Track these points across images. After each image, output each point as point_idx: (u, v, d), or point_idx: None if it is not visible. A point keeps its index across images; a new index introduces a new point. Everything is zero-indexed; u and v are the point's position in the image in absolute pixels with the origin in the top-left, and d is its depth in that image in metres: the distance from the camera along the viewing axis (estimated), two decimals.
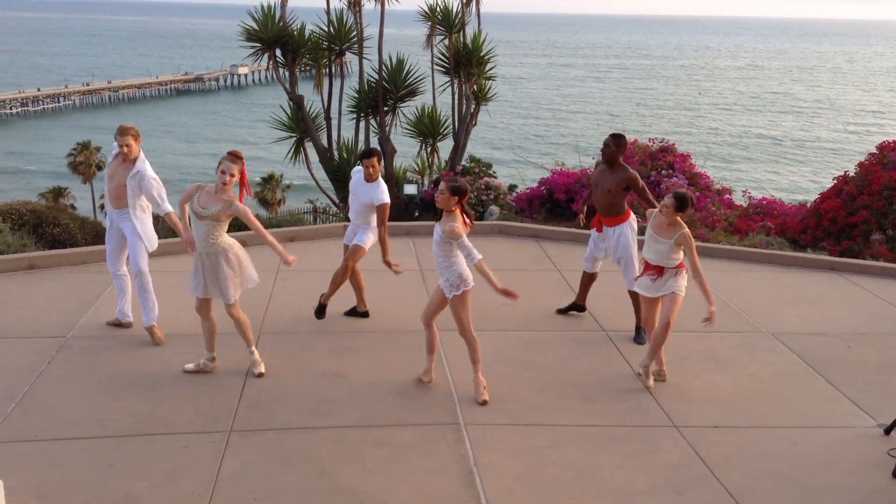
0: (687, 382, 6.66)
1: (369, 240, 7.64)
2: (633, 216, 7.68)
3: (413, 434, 5.68)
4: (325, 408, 6.03)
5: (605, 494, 5.02)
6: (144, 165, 7.00)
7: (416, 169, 19.20)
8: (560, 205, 14.09)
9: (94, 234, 12.17)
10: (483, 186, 15.65)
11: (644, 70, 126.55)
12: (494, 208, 14.98)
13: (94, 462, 5.21)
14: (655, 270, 6.47)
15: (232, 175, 6.11)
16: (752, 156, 60.69)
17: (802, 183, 50.06)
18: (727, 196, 14.51)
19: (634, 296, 7.42)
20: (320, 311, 7.76)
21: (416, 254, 10.16)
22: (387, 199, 7.39)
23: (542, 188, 14.74)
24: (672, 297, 6.43)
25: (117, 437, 5.53)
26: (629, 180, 7.40)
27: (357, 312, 8.01)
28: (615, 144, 7.44)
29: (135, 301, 7.42)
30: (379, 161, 7.46)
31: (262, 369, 6.55)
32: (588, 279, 8.00)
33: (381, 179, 7.42)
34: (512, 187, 16.65)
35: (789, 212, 13.85)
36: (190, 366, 6.58)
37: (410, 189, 16.91)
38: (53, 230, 11.47)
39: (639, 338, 7.49)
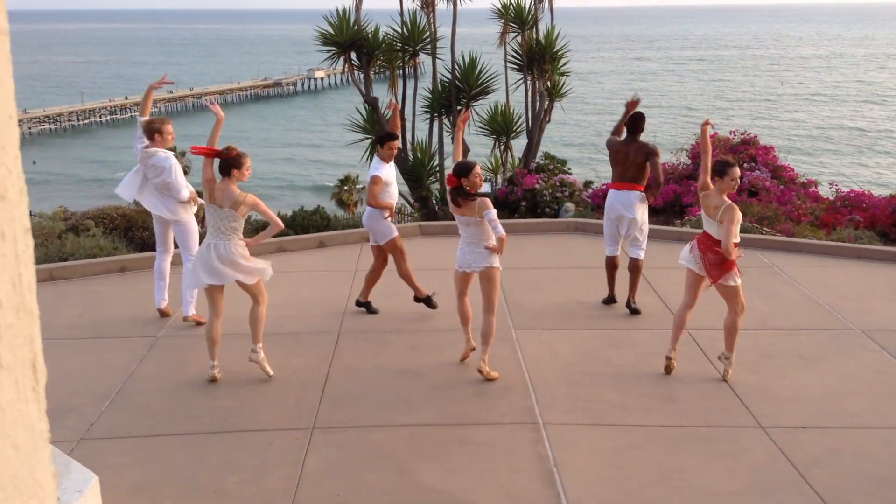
0: (774, 382, 6.48)
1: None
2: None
3: (492, 433, 5.69)
4: (404, 406, 6.10)
5: (690, 497, 4.92)
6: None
7: (490, 167, 19.19)
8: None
9: None
10: (558, 183, 15.54)
11: (722, 61, 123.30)
12: (570, 205, 14.86)
13: (185, 458, 5.39)
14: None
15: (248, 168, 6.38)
16: (836, 148, 58.39)
17: (891, 175, 47.89)
18: (813, 189, 14.05)
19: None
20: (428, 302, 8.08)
21: None
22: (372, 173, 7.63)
23: None
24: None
25: (207, 434, 5.71)
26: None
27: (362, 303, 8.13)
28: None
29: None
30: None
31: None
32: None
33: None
34: (587, 183, 16.49)
35: (879, 204, 13.31)
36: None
37: (484, 187, 16.90)
38: (143, 234, 11.90)
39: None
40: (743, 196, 13.03)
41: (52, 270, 9.25)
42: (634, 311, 8.00)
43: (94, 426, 5.85)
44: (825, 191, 14.46)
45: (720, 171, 6.18)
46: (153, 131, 7.42)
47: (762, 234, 11.05)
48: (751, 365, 6.76)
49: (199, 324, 7.72)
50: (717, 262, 6.25)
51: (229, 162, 6.27)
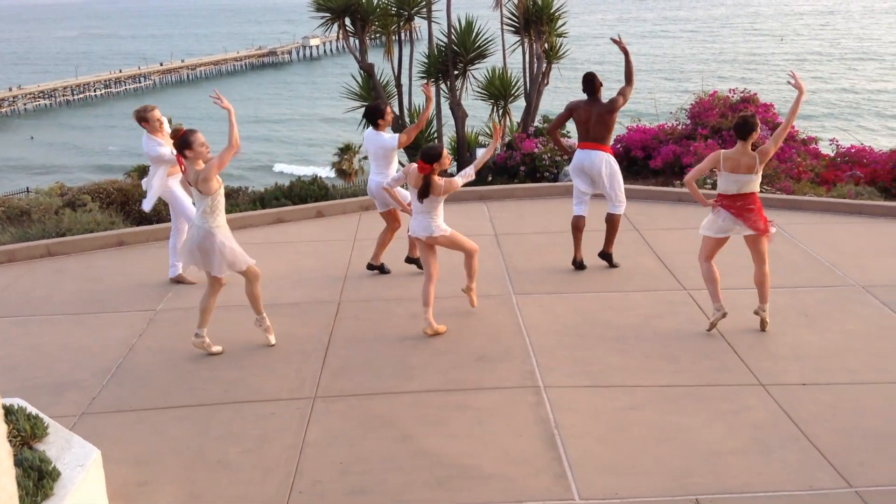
0: (774, 339, 6.48)
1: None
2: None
3: (494, 397, 5.70)
4: (406, 373, 6.10)
5: (691, 455, 4.94)
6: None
7: (489, 132, 19.05)
8: (637, 162, 13.77)
9: None
10: (566, 156, 15.41)
11: (717, 21, 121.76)
12: (569, 169, 14.76)
13: (187, 429, 5.41)
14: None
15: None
16: (831, 111, 57.77)
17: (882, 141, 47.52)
18: (813, 146, 13.94)
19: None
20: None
21: (490, 217, 10.12)
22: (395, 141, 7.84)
23: (619, 146, 14.44)
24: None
25: (208, 406, 5.72)
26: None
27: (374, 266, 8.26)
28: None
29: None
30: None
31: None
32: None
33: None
34: None
35: (879, 159, 13.21)
36: (217, 348, 6.58)
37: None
38: (140, 207, 11.83)
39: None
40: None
41: (49, 246, 9.23)
42: (606, 258, 8.15)
43: (96, 400, 5.87)
44: (825, 147, 14.34)
45: (750, 130, 6.42)
46: (139, 119, 7.80)
47: (762, 191, 10.98)
48: (750, 324, 6.74)
49: (182, 282, 8.10)
50: (757, 216, 6.41)
51: (179, 144, 6.20)
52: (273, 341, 6.62)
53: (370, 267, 8.25)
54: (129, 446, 5.23)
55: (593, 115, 7.95)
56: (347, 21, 17.63)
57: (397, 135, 7.92)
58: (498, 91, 18.02)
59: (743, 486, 4.63)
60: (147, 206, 8.00)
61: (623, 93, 7.97)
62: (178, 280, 8.15)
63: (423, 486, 4.73)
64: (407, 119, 18.07)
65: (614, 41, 8.29)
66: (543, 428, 5.29)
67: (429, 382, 5.95)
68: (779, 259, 8.24)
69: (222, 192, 6.29)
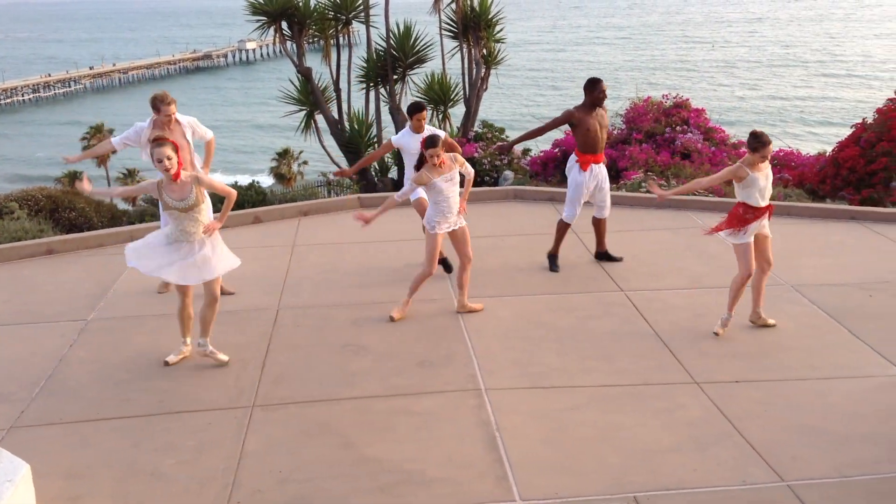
0: (708, 339, 6.62)
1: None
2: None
3: (436, 401, 5.69)
4: (347, 380, 6.06)
5: (628, 453, 5.02)
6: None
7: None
8: None
9: (110, 217, 12.23)
10: (497, 151, 15.52)
11: (650, 28, 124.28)
12: (509, 173, 14.87)
13: (120, 441, 5.27)
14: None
15: (169, 158, 5.78)
16: (762, 119, 59.44)
17: (816, 140, 49.12)
18: (743, 150, 14.31)
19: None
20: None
21: None
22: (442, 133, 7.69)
23: (557, 150, 14.62)
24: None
25: (143, 417, 5.58)
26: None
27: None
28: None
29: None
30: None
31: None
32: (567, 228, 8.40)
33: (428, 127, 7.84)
34: (526, 151, 16.51)
35: (807, 162, 13.66)
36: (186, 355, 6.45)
37: None
38: (70, 215, 11.53)
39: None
40: (676, 159, 13.22)
41: None
42: (613, 258, 8.41)
43: (25, 413, 5.68)
44: None
45: (752, 146, 6.38)
46: (153, 107, 7.26)
47: (696, 195, 11.22)
48: (685, 323, 6.89)
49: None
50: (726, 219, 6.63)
51: None
52: (225, 359, 6.36)
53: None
54: (60, 460, 5.07)
55: (603, 125, 8.10)
56: (284, 25, 17.48)
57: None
58: (437, 96, 18.07)
59: (679, 482, 4.72)
60: None
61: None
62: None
63: (366, 492, 4.70)
64: (346, 124, 17.98)
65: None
66: (485, 431, 5.31)
67: (370, 388, 5.91)
68: (712, 260, 8.44)
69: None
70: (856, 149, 12.37)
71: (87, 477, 4.89)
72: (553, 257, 8.32)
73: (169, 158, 5.78)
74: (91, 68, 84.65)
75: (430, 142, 6.78)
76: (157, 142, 5.84)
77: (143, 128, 7.27)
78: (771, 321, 6.83)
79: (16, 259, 8.99)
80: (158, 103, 7.13)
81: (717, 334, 6.66)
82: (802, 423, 5.33)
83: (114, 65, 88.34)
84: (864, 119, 13.00)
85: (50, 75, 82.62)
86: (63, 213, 11.33)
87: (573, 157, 8.19)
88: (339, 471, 4.91)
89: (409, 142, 7.81)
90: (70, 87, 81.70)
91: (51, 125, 65.00)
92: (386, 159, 17.88)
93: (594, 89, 7.95)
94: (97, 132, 46.47)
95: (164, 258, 6.01)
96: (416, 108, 7.78)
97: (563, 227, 8.31)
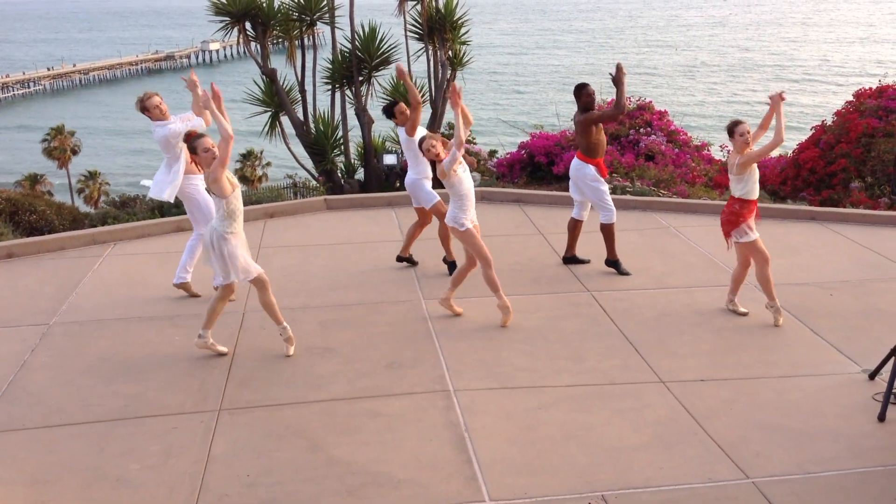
0: (673, 338, 6.71)
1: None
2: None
3: (404, 403, 5.69)
4: (314, 382, 6.03)
5: (596, 452, 5.06)
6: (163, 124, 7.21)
7: (395, 138, 19.05)
8: (541, 168, 14.05)
9: (72, 220, 12.05)
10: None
11: (611, 31, 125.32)
12: (476, 174, 14.93)
13: (84, 447, 5.19)
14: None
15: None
16: (722, 123, 60.13)
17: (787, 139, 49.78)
18: (706, 152, 14.54)
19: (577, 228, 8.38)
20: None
21: (399, 225, 10.12)
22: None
23: (523, 152, 14.69)
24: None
25: (107, 422, 5.50)
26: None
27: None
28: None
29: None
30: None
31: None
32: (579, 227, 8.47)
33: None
34: (492, 153, 16.58)
35: (768, 164, 13.89)
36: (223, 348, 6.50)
37: (390, 159, 16.79)
38: (30, 217, 11.33)
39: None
40: (640, 160, 13.36)
41: None
42: (581, 261, 8.47)
43: None
44: (717, 153, 14.98)
45: (729, 131, 6.69)
46: (141, 110, 7.29)
47: (659, 196, 11.37)
48: (650, 323, 6.97)
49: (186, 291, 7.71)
50: (725, 219, 6.88)
51: (189, 150, 6.23)
52: (291, 352, 6.44)
53: (399, 259, 8.40)
54: (24, 466, 4.98)
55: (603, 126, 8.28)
56: (248, 25, 17.34)
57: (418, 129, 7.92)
58: (403, 97, 18.03)
59: (646, 480, 4.77)
60: (165, 195, 7.25)
61: (602, 110, 8.37)
62: (182, 287, 7.68)
63: (335, 495, 4.68)
64: (312, 125, 17.89)
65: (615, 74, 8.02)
66: (454, 432, 5.32)
67: (337, 391, 5.89)
68: (675, 260, 8.55)
69: (237, 195, 6.07)
70: (816, 150, 12.62)
71: (52, 483, 4.81)
72: (616, 262, 8.23)
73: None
74: (49, 69, 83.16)
75: (420, 141, 6.96)
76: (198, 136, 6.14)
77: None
78: (742, 309, 7.11)
79: None
80: (145, 102, 7.22)
81: (777, 325, 6.89)
82: (766, 420, 5.42)
83: (74, 65, 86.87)
84: (823, 121, 13.27)
85: (8, 76, 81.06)
86: (23, 216, 11.13)
87: (581, 163, 8.10)
88: (307, 474, 4.88)
89: (401, 137, 8.10)
90: (29, 87, 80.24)
91: (7, 130, 63.78)
92: (353, 161, 17.83)
93: (581, 94, 8.08)
94: (58, 133, 45.73)
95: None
96: (389, 109, 8.05)
97: (610, 229, 8.20)
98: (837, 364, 6.23)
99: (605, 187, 8.19)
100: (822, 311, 7.22)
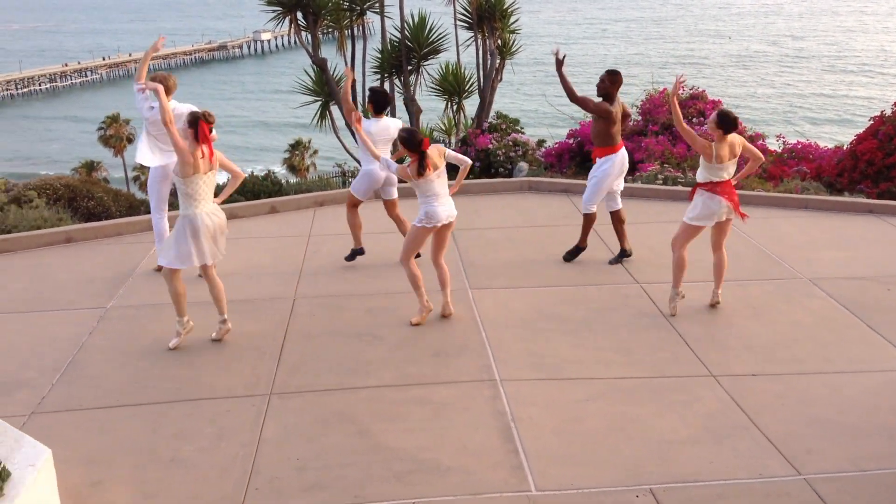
0: (724, 331, 6.61)
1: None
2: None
3: (451, 391, 5.72)
4: (363, 368, 6.09)
5: (643, 445, 5.02)
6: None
7: (443, 128, 19.07)
8: (590, 157, 13.91)
9: (128, 206, 12.32)
10: (511, 143, 15.51)
11: (661, 20, 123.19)
12: (523, 164, 14.86)
13: (139, 428, 5.33)
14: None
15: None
16: (772, 117, 58.86)
17: (838, 133, 48.66)
18: (760, 142, 14.25)
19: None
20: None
21: None
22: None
23: (572, 141, 14.58)
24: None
25: (161, 403, 5.64)
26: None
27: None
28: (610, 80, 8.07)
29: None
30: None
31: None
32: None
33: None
34: (541, 142, 16.47)
35: (825, 155, 13.56)
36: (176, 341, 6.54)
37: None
38: (88, 203, 11.62)
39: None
40: (692, 151, 13.15)
41: None
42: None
43: (46, 399, 5.74)
44: (773, 143, 14.68)
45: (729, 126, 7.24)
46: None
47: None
48: (702, 316, 6.88)
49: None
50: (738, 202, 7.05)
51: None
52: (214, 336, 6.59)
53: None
54: (81, 446, 5.13)
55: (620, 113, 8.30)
56: (299, 15, 17.49)
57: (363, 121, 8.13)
58: (452, 87, 18.06)
59: (695, 474, 4.72)
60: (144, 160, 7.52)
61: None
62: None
63: (381, 480, 4.73)
64: (361, 114, 17.96)
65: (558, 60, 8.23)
66: (500, 421, 5.33)
67: (385, 377, 5.95)
68: (727, 252, 8.40)
69: (197, 179, 6.16)
70: (874, 141, 12.28)
71: (107, 463, 4.95)
72: (579, 250, 8.36)
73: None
74: (104, 59, 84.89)
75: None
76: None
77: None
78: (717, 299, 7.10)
79: (35, 247, 9.07)
80: (167, 82, 7.21)
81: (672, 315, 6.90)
82: (818, 416, 5.32)
83: (129, 55, 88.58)
84: (882, 112, 12.90)
85: (66, 65, 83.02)
86: (81, 202, 11.41)
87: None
88: (355, 459, 4.94)
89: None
90: (87, 76, 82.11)
91: (63, 120, 65.27)
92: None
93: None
94: (113, 121, 46.73)
95: None
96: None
97: (594, 219, 8.40)
98: (894, 360, 6.08)
99: (595, 180, 8.32)
100: (879, 306, 7.05)
